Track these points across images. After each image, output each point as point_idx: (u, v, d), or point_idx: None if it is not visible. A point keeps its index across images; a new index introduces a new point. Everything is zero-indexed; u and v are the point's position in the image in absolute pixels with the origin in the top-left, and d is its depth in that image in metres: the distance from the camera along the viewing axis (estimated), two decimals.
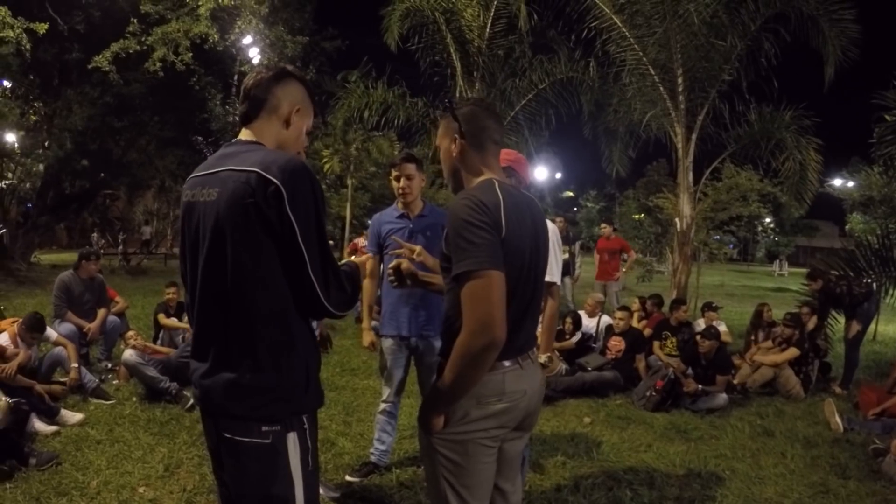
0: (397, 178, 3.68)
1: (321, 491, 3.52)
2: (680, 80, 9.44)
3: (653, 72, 9.59)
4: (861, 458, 4.66)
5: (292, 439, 1.71)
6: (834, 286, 7.33)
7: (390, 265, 2.67)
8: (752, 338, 7.82)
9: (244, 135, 1.84)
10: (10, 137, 14.64)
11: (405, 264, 2.55)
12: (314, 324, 2.89)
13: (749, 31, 9.13)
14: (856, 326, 7.08)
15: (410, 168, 3.66)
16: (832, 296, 7.33)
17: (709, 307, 8.06)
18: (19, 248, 15.71)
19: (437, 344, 3.75)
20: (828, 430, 5.40)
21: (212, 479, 3.70)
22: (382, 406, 3.86)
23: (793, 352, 6.67)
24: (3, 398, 4.01)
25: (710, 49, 9.14)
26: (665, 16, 9.05)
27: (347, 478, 3.82)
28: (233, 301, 1.68)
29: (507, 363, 1.93)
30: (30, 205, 17.11)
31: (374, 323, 4.03)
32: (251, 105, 1.83)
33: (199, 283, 1.75)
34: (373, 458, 3.90)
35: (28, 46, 11.15)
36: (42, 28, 11.10)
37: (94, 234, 22.08)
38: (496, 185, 1.90)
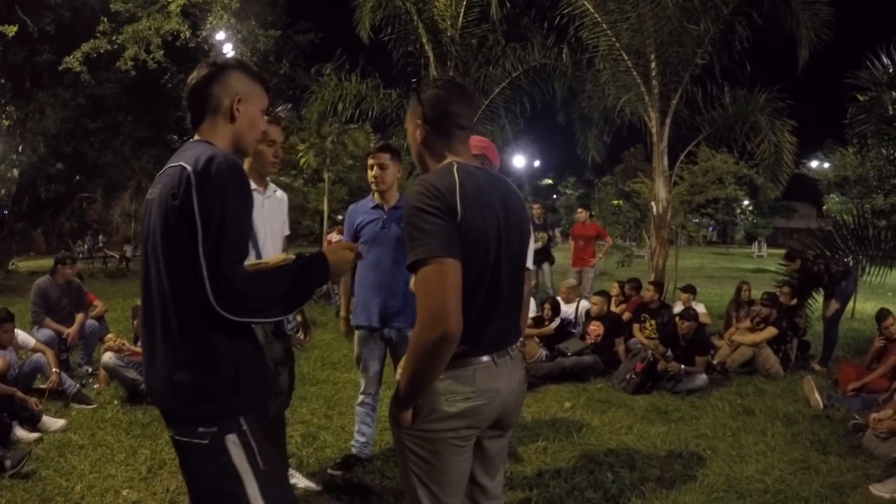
0: (371, 167, 3.69)
1: (303, 484, 3.55)
2: (653, 65, 9.49)
3: (626, 57, 9.62)
4: (841, 434, 4.75)
5: (232, 440, 1.69)
6: (811, 265, 7.43)
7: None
8: (734, 314, 7.93)
9: (196, 136, 1.85)
10: None
11: None
12: (292, 322, 2.88)
13: (721, 14, 9.17)
14: (834, 304, 7.19)
15: (384, 157, 3.67)
16: (810, 275, 7.43)
17: (684, 289, 8.16)
18: None
19: (410, 335, 3.78)
20: (808, 407, 5.49)
21: None
22: (361, 398, 3.89)
23: (771, 331, 6.77)
24: None
25: (682, 33, 9.18)
26: (637, 1, 9.06)
27: (329, 471, 3.84)
28: (162, 301, 1.68)
29: (479, 359, 1.83)
30: (6, 211, 16.83)
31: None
32: (194, 110, 1.83)
33: (143, 280, 1.77)
34: (354, 451, 3.92)
35: None
36: (11, 30, 10.91)
37: (88, 238, 21.69)
38: (454, 167, 1.81)
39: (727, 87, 9.88)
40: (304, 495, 3.48)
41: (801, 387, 5.94)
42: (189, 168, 1.61)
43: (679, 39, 9.26)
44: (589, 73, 10.56)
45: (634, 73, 9.64)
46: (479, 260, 1.76)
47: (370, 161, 3.70)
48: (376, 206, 3.76)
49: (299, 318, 3.40)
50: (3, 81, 14.47)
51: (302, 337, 3.52)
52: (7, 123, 14.80)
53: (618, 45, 9.58)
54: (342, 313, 4.00)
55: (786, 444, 4.56)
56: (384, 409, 4.55)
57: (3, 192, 15.93)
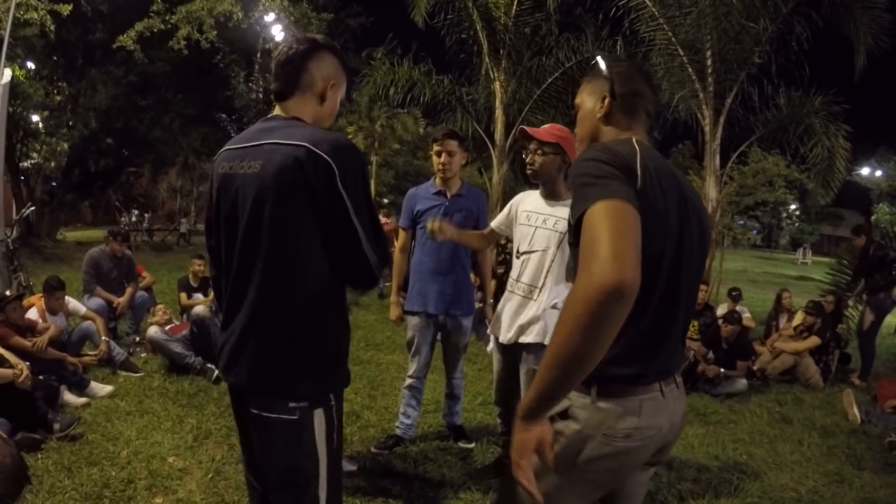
0: (438, 154, 3.66)
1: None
2: (709, 62, 9.22)
3: (682, 52, 9.37)
4: (877, 451, 4.67)
5: (319, 416, 1.70)
6: (876, 245, 7.25)
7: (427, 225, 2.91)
8: (774, 323, 7.78)
9: (280, 111, 1.79)
10: (36, 117, 14.82)
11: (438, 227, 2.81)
12: None
13: (780, 12, 8.89)
14: (869, 316, 7.01)
15: (452, 144, 3.63)
16: (869, 257, 7.20)
17: (731, 294, 7.98)
18: (45, 225, 15.96)
19: (466, 323, 3.80)
20: (845, 420, 5.40)
21: (240, 449, 3.77)
22: (408, 381, 3.89)
23: (814, 340, 6.64)
24: (22, 363, 4.01)
25: (740, 30, 8.91)
26: None
27: (373, 450, 3.87)
28: (268, 274, 1.66)
29: (650, 387, 1.51)
30: (54, 183, 17.36)
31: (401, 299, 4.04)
32: (286, 82, 1.77)
33: (237, 255, 1.71)
34: (398, 432, 3.94)
35: (52, 28, 11.22)
36: (66, 9, 11.13)
37: (136, 213, 22.20)
38: (634, 140, 1.55)
39: (782, 88, 9.63)
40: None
41: (840, 399, 5.83)
42: (328, 157, 1.60)
43: (737, 37, 8.99)
44: None
45: (690, 70, 9.38)
46: (655, 255, 1.42)
47: (437, 147, 3.66)
48: (439, 192, 3.73)
49: None
50: (56, 59, 14.85)
51: None
52: (59, 99, 15.20)
53: (674, 39, 9.35)
54: (393, 298, 3.99)
55: (821, 456, 4.50)
56: (430, 392, 4.64)
57: (52, 164, 16.41)
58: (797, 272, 25.22)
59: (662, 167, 1.52)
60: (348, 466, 3.61)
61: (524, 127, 2.96)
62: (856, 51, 9.17)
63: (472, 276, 4.55)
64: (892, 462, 4.43)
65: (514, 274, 3.04)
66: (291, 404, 1.66)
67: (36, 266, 11.62)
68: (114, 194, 20.14)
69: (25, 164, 15.78)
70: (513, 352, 3.12)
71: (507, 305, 3.05)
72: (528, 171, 2.98)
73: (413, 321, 3.79)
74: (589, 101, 1.73)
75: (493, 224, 3.29)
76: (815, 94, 9.47)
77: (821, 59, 10.92)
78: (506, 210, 3.22)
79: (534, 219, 2.99)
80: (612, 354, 1.32)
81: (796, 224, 45.36)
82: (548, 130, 2.90)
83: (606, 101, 1.66)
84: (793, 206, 35.98)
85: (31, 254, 13.10)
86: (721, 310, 7.44)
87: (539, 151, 2.91)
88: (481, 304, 4.59)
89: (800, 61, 9.36)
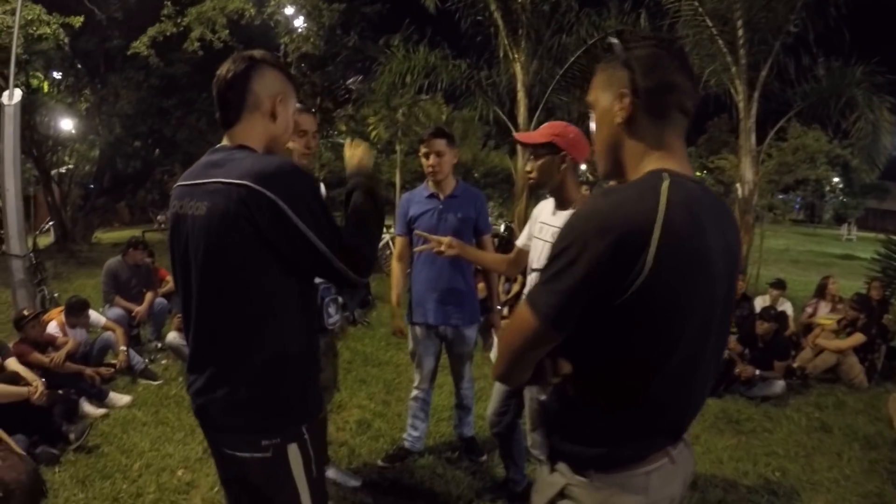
0: (426, 156, 3.44)
1: (341, 480, 3.47)
2: (740, 33, 8.68)
3: (710, 24, 8.82)
4: None
5: (293, 450, 1.67)
6: None
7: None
8: (812, 311, 7.35)
9: (228, 139, 1.73)
10: (66, 125, 15.21)
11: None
12: (335, 317, 2.74)
13: None
14: None
15: (440, 144, 3.40)
16: None
17: (775, 285, 7.45)
18: (80, 229, 16.39)
19: (468, 333, 3.62)
20: (890, 428, 4.97)
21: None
22: (415, 392, 3.76)
23: (858, 338, 6.14)
24: (38, 380, 4.13)
25: None
26: None
27: (380, 463, 3.75)
28: (227, 317, 1.63)
29: (655, 455, 1.28)
30: (91, 186, 17.79)
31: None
32: (230, 107, 1.70)
33: (195, 298, 1.67)
34: (406, 444, 3.81)
35: (66, 40, 11.42)
36: (77, 21, 11.32)
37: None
38: (664, 182, 1.17)
39: (821, 59, 9.05)
40: (343, 493, 3.39)
41: (885, 402, 5.40)
42: (270, 193, 1.52)
43: (769, 4, 8.39)
44: None
45: (720, 42, 8.84)
46: (679, 325, 1.19)
47: (424, 149, 3.44)
48: (431, 196, 3.53)
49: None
50: (79, 67, 15.20)
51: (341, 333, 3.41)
52: (85, 106, 15.55)
53: (701, 10, 8.80)
54: (394, 310, 3.84)
55: (862, 473, 4.14)
56: (438, 399, 4.49)
57: (87, 168, 16.85)
58: (842, 249, 24.22)
59: (699, 214, 1.17)
60: (351, 482, 3.51)
61: (516, 134, 2.73)
62: None
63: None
64: None
65: (526, 293, 2.81)
66: (264, 442, 1.64)
67: (70, 271, 11.87)
68: (148, 194, 20.49)
69: (62, 170, 16.19)
70: None
71: None
72: (530, 182, 2.72)
73: (414, 332, 3.65)
74: (604, 98, 1.33)
75: (520, 242, 3.03)
76: (856, 64, 8.88)
77: (862, 25, 10.29)
78: (528, 223, 2.97)
79: (545, 232, 2.74)
80: (613, 435, 1.26)
81: (840, 198, 43.60)
82: (539, 131, 2.64)
83: (627, 100, 1.27)
84: (836, 179, 34.59)
85: (66, 259, 13.40)
86: (760, 301, 7.04)
87: (532, 157, 2.65)
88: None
89: (839, 29, 8.73)
